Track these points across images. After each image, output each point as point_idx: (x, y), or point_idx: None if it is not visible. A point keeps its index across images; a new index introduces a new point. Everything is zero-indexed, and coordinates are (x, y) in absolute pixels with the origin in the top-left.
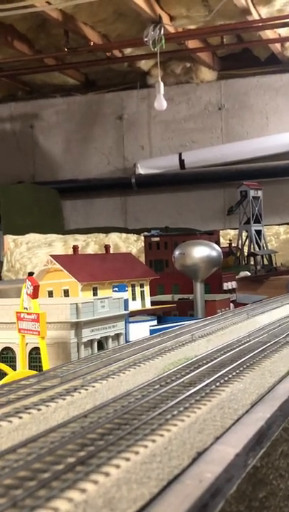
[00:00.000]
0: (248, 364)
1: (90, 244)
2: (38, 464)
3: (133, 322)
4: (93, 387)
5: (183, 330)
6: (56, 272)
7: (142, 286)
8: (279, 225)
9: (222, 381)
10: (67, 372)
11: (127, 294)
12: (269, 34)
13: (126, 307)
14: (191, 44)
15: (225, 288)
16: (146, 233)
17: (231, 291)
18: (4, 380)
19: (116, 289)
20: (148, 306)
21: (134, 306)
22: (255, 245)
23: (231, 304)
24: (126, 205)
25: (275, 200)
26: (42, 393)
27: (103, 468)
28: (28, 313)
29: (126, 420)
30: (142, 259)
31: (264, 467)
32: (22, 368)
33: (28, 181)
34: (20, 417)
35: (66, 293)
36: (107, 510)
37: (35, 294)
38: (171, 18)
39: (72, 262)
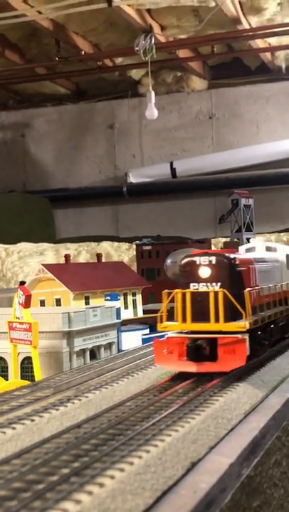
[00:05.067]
0: (241, 374)
1: (82, 253)
2: (33, 475)
3: (125, 331)
4: (86, 397)
5: None
6: (48, 280)
7: (134, 294)
8: (270, 233)
9: (215, 391)
10: (61, 383)
11: (119, 303)
12: (259, 43)
13: (118, 316)
14: (182, 53)
15: None
16: (137, 242)
17: None
18: None
19: (108, 297)
20: (140, 314)
21: (127, 314)
22: None
23: None
24: (117, 213)
25: (266, 208)
26: (35, 403)
27: (98, 479)
28: (20, 323)
29: (120, 430)
30: (134, 267)
31: (258, 476)
32: (14, 378)
33: (19, 190)
34: (14, 428)
35: (58, 302)
36: None
37: (27, 304)
38: (162, 28)
39: (64, 271)
